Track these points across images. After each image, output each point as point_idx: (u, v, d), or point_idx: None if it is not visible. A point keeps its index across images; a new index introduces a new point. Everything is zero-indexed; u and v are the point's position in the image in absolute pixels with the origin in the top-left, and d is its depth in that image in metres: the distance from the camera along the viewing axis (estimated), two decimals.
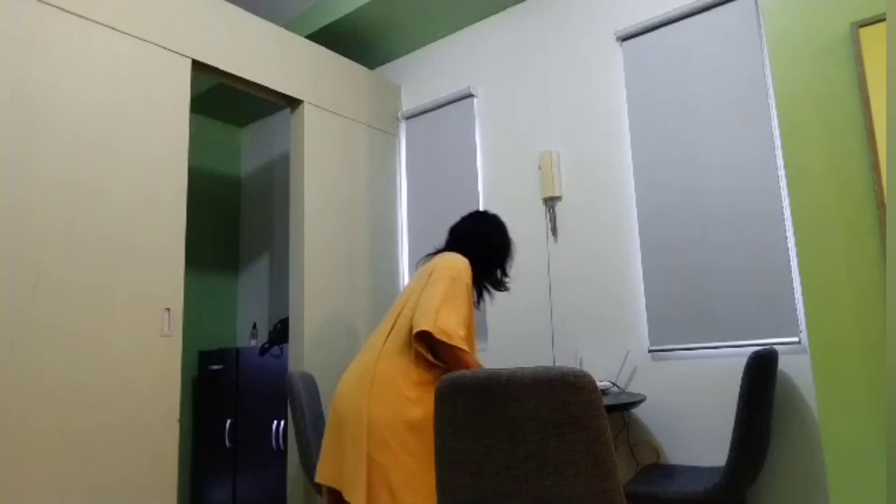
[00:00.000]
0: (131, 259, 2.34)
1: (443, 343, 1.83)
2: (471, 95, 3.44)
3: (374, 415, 1.82)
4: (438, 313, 1.85)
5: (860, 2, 1.80)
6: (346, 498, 1.80)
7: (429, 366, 1.92)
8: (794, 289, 2.33)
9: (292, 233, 3.10)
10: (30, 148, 2.11)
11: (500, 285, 2.24)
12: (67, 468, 2.06)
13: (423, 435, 1.84)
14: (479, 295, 2.25)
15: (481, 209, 2.33)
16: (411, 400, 1.85)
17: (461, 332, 1.87)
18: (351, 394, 1.90)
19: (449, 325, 1.84)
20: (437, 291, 1.90)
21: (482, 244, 2.16)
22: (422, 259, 2.22)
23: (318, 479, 1.92)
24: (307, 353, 2.95)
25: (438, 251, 2.20)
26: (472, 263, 2.09)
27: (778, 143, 2.43)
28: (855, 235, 1.74)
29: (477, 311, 2.28)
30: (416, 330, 1.85)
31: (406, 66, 3.84)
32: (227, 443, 3.60)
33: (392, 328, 1.99)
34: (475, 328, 2.07)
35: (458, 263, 2.01)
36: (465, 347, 1.85)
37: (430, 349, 1.91)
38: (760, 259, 2.41)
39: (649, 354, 2.65)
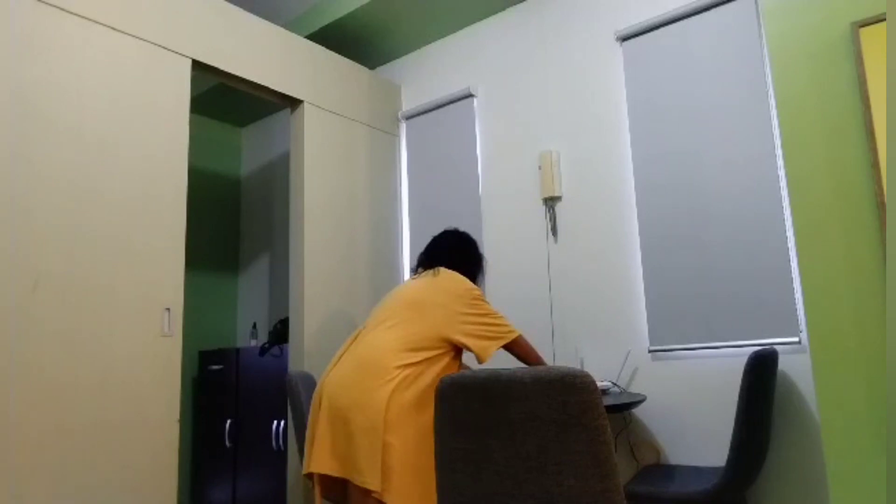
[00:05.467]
0: (131, 259, 2.34)
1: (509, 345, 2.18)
2: (471, 95, 3.44)
3: (393, 403, 1.89)
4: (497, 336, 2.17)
5: (860, 2, 1.80)
6: (358, 482, 1.84)
7: (436, 370, 2.04)
8: (794, 289, 2.32)
9: (292, 233, 3.10)
10: (30, 148, 2.11)
11: None
12: (67, 468, 2.06)
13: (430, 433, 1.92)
14: None
15: (456, 228, 2.51)
16: (423, 400, 1.96)
17: (507, 325, 2.18)
18: (355, 385, 1.93)
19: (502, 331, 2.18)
20: (486, 320, 2.16)
21: (466, 267, 2.35)
22: (421, 274, 2.29)
23: (322, 468, 1.93)
24: (307, 353, 2.95)
25: (426, 264, 2.35)
26: None
27: (778, 142, 2.43)
28: (855, 235, 1.74)
29: None
30: (487, 357, 2.11)
31: (406, 66, 3.83)
32: (227, 443, 3.59)
33: (397, 326, 2.05)
34: None
35: (471, 284, 2.24)
36: (516, 333, 2.19)
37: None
38: (760, 259, 2.41)
39: (649, 354, 2.65)
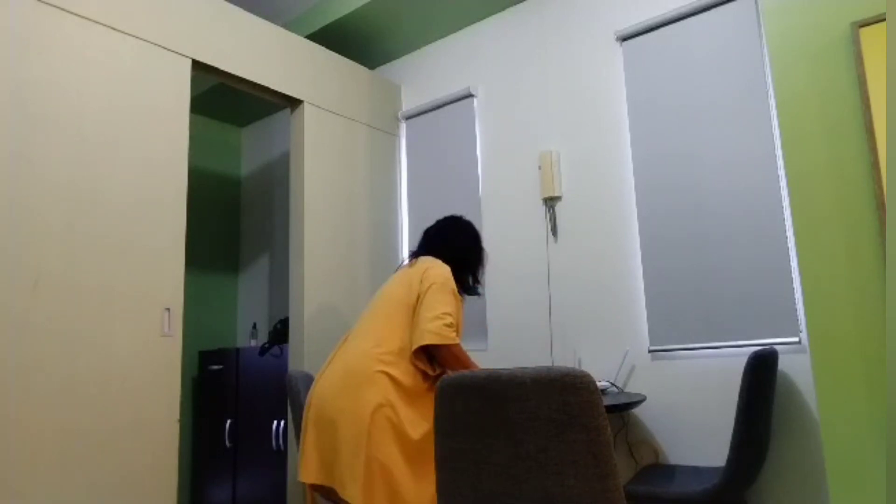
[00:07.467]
0: (131, 259, 2.33)
1: (440, 346, 1.97)
2: (471, 95, 3.44)
3: (377, 415, 1.88)
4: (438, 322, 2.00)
5: (860, 2, 1.80)
6: (342, 495, 1.84)
7: (424, 375, 2.02)
8: (794, 289, 2.32)
9: (292, 233, 3.10)
10: (30, 148, 2.11)
11: (471, 291, 2.34)
12: (67, 468, 2.06)
13: (426, 446, 1.90)
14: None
15: (456, 215, 2.42)
16: (413, 415, 1.93)
17: (443, 328, 2.01)
18: (341, 394, 1.94)
19: (445, 329, 2.00)
20: (433, 304, 2.02)
21: (460, 253, 2.26)
22: (405, 265, 2.26)
23: (311, 479, 1.95)
24: (307, 353, 2.95)
25: (414, 254, 2.29)
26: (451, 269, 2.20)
27: (778, 142, 2.43)
28: (855, 235, 1.74)
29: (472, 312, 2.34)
30: (419, 344, 1.96)
31: (406, 66, 3.83)
32: (227, 443, 3.59)
33: (376, 330, 2.05)
34: (462, 328, 2.18)
35: (444, 271, 2.12)
36: (457, 342, 2.00)
37: (428, 357, 2.03)
38: (760, 259, 2.41)
39: (649, 354, 2.65)
